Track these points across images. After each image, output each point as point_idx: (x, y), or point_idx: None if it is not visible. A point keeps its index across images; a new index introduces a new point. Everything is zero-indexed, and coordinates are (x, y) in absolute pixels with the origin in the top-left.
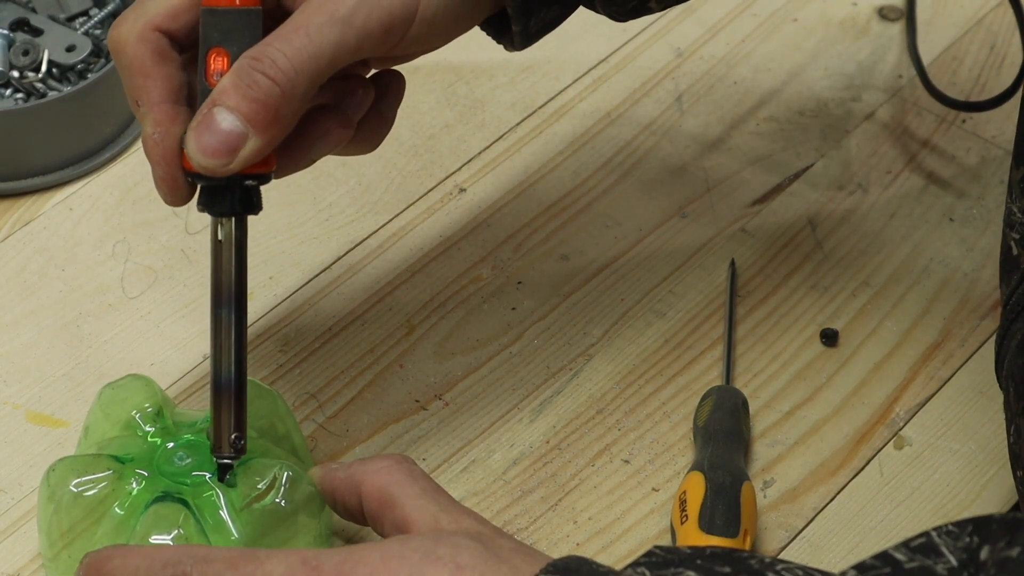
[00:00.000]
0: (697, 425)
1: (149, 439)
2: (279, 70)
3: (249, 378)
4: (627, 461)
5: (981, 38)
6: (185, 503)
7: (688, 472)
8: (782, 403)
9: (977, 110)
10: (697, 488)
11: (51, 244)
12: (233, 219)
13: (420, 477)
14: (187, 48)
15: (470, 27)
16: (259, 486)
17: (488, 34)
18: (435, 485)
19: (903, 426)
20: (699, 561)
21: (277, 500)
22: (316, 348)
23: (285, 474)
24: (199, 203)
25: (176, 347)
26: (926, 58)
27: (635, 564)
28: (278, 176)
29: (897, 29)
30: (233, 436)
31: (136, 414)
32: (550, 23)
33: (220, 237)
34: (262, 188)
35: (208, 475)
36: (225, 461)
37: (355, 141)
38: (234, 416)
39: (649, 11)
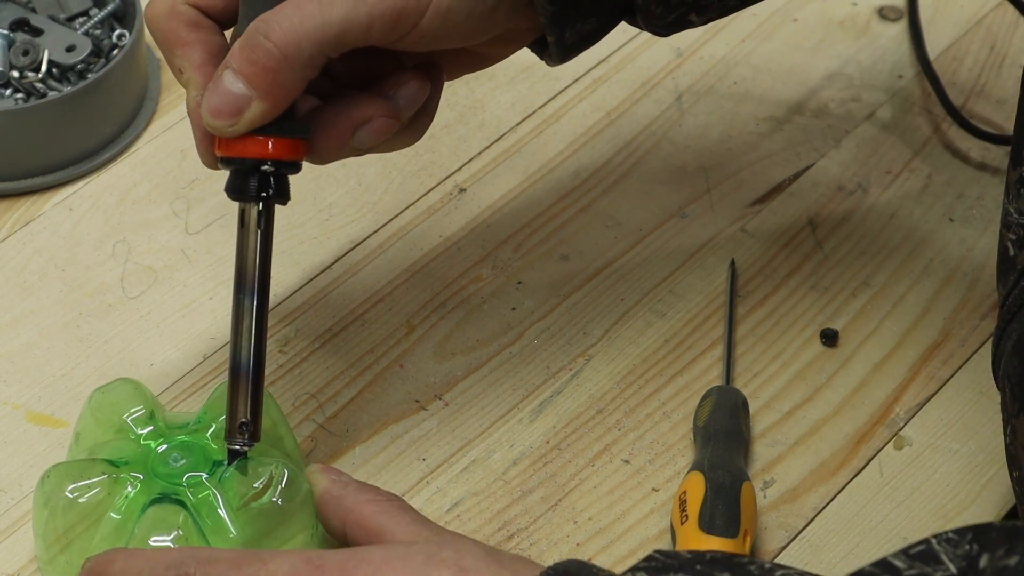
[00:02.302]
0: (697, 425)
1: (142, 442)
2: (282, 34)
3: None
4: (627, 461)
5: (981, 38)
6: (183, 504)
7: (688, 472)
8: (782, 403)
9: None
10: (697, 488)
11: (51, 244)
12: (259, 205)
13: (410, 510)
14: (226, 24)
15: (492, 31)
16: (256, 485)
17: (531, 50)
18: (425, 518)
19: (903, 426)
20: (698, 566)
21: (274, 499)
22: (316, 348)
23: (283, 472)
24: (224, 187)
25: (176, 347)
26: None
27: (635, 568)
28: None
29: (897, 29)
30: (240, 423)
31: (128, 417)
32: (588, 36)
33: (244, 223)
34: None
35: (205, 475)
36: (236, 448)
37: (398, 133)
38: (250, 403)
39: (691, 24)
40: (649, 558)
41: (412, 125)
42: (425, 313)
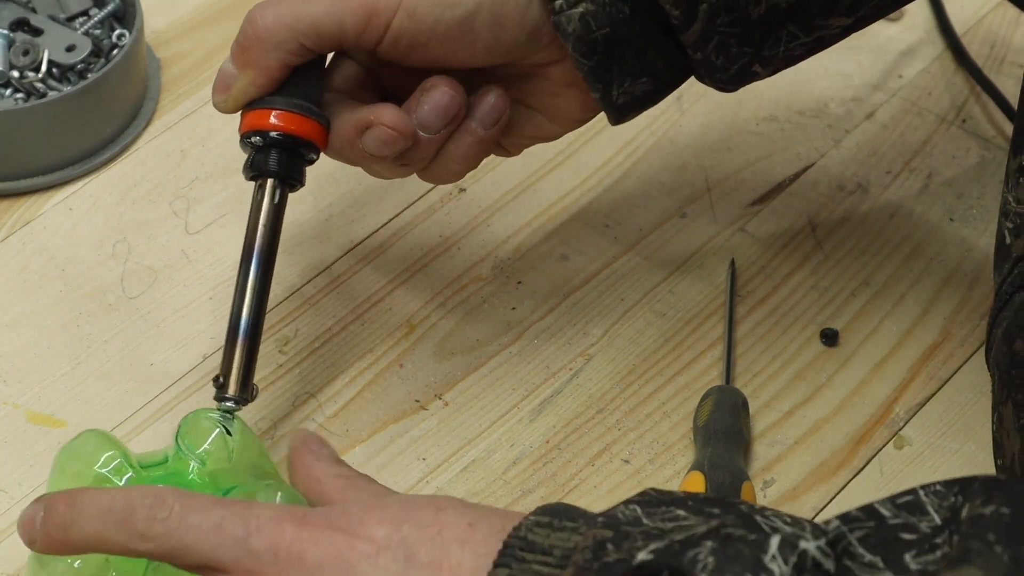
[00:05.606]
0: (697, 425)
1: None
2: (260, 18)
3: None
4: (627, 461)
5: (981, 38)
6: None
7: (688, 472)
8: (782, 403)
9: None
10: (697, 488)
11: (51, 244)
12: (268, 182)
13: (376, 483)
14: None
15: (481, 50)
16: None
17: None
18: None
19: (903, 426)
20: (690, 502)
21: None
22: (316, 348)
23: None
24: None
25: (176, 347)
26: (926, 58)
27: (628, 501)
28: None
29: (897, 29)
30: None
31: (104, 469)
32: (643, 98)
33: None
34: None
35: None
36: (230, 406)
37: (438, 162)
38: (245, 361)
39: (756, 75)
40: (643, 493)
41: (439, 162)
42: (425, 313)
